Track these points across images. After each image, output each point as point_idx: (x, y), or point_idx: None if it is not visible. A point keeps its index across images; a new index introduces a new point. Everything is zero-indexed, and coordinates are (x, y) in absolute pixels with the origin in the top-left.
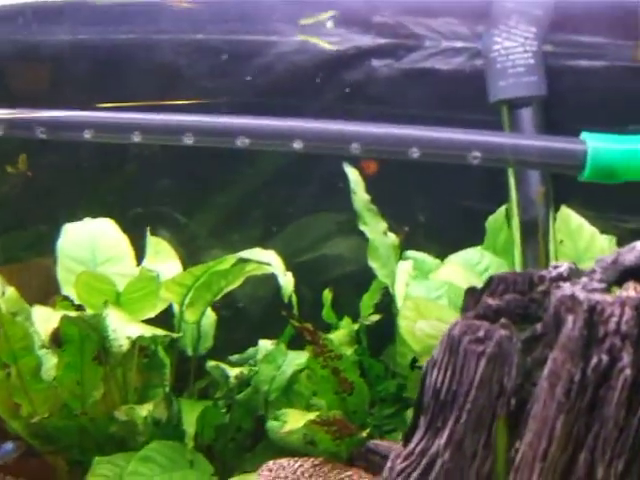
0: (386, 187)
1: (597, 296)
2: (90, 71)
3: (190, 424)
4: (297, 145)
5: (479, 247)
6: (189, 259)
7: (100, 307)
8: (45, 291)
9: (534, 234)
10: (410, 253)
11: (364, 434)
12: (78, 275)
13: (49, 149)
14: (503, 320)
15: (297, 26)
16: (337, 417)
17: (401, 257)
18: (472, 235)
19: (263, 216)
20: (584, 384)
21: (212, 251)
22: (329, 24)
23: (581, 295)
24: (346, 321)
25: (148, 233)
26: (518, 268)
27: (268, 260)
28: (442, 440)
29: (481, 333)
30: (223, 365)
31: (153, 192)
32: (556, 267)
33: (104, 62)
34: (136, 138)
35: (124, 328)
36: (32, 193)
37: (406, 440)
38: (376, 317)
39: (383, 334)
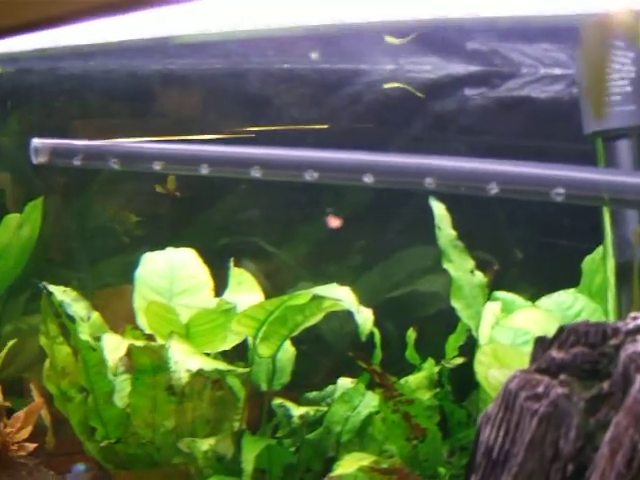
0: (477, 222)
1: None
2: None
3: (249, 461)
4: (367, 179)
5: (573, 290)
6: (277, 291)
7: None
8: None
9: (631, 277)
10: (499, 294)
11: None
12: (148, 305)
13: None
14: (562, 376)
15: (387, 54)
16: (397, 466)
17: (489, 297)
18: (571, 276)
19: (354, 249)
20: None
21: (300, 284)
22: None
23: None
24: (429, 363)
25: (231, 264)
26: (611, 315)
27: (342, 296)
28: None
29: (540, 389)
30: (288, 404)
31: (243, 223)
32: (635, 318)
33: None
34: (204, 170)
35: (185, 361)
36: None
37: None
38: (459, 360)
39: (469, 378)
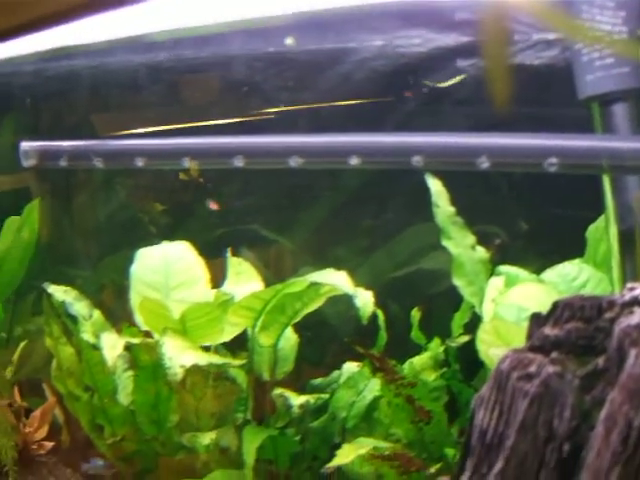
0: (478, 195)
1: None
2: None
3: (250, 453)
4: (354, 161)
5: (577, 260)
6: (279, 279)
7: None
8: None
9: (634, 244)
10: (503, 268)
11: (433, 470)
12: (141, 302)
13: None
14: (555, 354)
15: (375, 31)
16: (398, 452)
17: (493, 273)
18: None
19: (355, 231)
20: None
21: (302, 270)
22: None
23: None
24: (434, 343)
25: (229, 254)
26: (617, 284)
27: (337, 281)
28: None
29: (532, 369)
30: (287, 394)
31: (241, 211)
32: (632, 289)
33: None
34: (186, 163)
35: (179, 356)
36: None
37: None
38: (464, 338)
39: (476, 357)
